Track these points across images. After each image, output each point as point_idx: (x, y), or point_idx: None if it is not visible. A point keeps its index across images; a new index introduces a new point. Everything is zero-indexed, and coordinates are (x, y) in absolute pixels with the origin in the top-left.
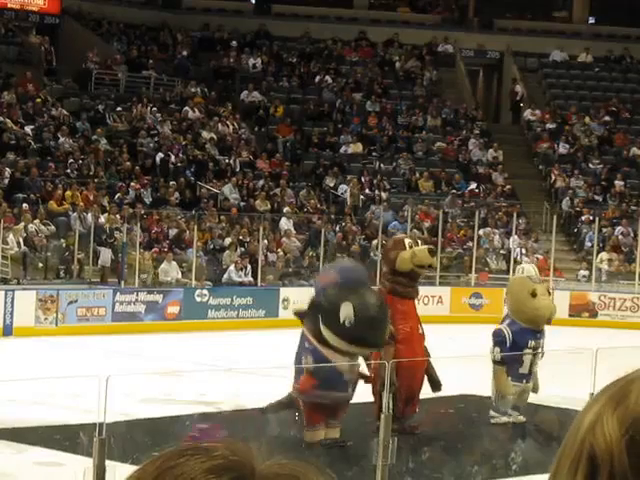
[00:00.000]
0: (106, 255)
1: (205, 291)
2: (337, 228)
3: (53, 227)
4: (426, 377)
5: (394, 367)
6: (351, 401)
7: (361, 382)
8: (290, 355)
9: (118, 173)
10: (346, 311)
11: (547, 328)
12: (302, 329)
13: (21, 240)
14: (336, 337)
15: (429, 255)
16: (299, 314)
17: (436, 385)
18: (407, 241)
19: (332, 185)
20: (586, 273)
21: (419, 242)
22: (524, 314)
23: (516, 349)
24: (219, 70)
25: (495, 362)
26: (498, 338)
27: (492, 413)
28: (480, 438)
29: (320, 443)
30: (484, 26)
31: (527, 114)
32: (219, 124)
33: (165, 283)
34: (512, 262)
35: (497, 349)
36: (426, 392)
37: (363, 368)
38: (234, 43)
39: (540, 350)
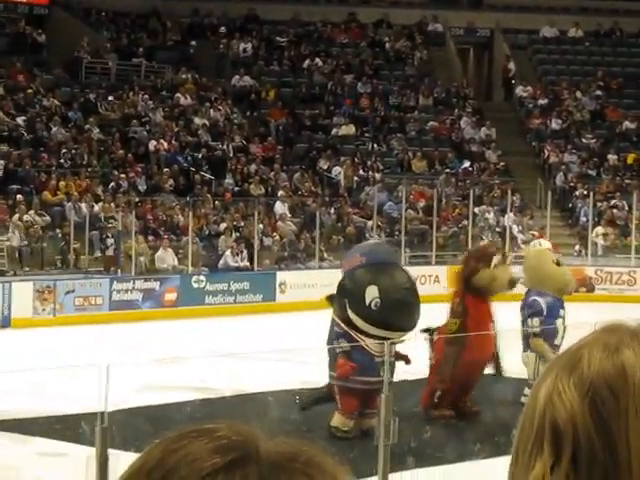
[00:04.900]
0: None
1: (202, 277)
2: (332, 210)
3: (48, 218)
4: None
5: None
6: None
7: (400, 364)
8: (288, 339)
9: (111, 162)
10: (372, 294)
11: None
12: (332, 314)
13: (22, 232)
14: (363, 321)
15: (508, 286)
16: (329, 299)
17: (498, 370)
18: (495, 259)
19: (326, 167)
20: (582, 248)
21: (508, 258)
22: (552, 283)
23: (550, 319)
24: (209, 56)
25: (533, 335)
26: (535, 309)
27: (527, 391)
28: (485, 417)
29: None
30: (473, 4)
31: (519, 91)
32: (211, 110)
33: (161, 270)
34: (508, 239)
35: (535, 320)
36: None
37: (399, 349)
38: (223, 29)
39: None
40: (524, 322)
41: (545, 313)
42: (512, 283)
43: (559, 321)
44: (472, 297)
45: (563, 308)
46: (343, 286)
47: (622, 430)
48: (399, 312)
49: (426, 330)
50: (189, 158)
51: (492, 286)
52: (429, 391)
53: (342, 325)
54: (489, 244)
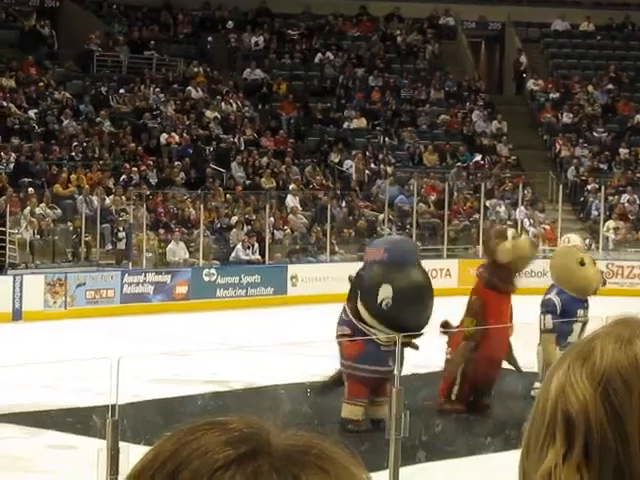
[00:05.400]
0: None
1: (213, 270)
2: (343, 203)
3: (59, 211)
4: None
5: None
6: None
7: (409, 356)
8: (299, 332)
9: (123, 155)
10: (385, 293)
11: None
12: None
13: (35, 229)
14: (371, 316)
15: (531, 246)
16: (351, 279)
17: (516, 369)
18: (510, 232)
19: (337, 161)
20: (593, 242)
21: (522, 234)
22: (573, 283)
23: (564, 318)
24: (221, 49)
25: (545, 331)
26: (548, 307)
27: (537, 385)
28: (495, 410)
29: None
30: None
31: (530, 84)
32: (222, 103)
33: (173, 263)
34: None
35: (548, 317)
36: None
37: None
38: (230, 24)
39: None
40: (539, 318)
41: (559, 312)
42: (534, 244)
43: (577, 320)
44: (493, 294)
45: (584, 308)
46: (360, 277)
47: (634, 420)
48: (409, 315)
49: (444, 325)
50: (200, 151)
51: (517, 256)
52: (447, 385)
53: (349, 314)
54: (493, 224)
